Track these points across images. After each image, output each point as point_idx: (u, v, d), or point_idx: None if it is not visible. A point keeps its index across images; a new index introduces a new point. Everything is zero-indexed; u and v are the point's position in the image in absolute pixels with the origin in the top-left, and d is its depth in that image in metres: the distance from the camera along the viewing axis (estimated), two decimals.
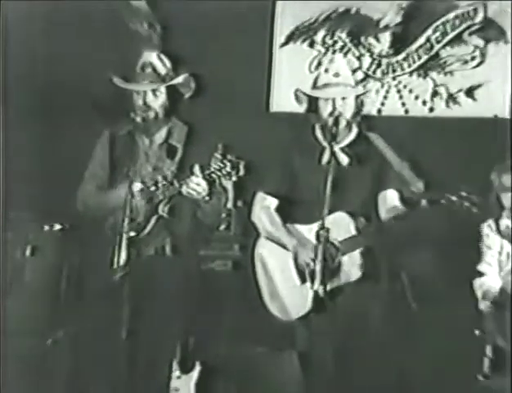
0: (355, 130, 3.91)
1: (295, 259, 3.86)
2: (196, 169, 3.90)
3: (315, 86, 3.92)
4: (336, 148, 3.90)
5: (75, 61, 4.20)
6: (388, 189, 3.85)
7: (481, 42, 4.20)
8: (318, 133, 3.97)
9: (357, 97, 3.88)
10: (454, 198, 3.72)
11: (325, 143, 3.92)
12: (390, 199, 3.85)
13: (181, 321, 3.95)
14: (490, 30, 4.19)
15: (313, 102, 3.94)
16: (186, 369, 3.98)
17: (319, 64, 4.17)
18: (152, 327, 3.85)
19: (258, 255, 3.95)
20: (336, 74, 3.90)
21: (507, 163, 3.96)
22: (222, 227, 4.10)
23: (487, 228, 3.99)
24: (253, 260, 3.98)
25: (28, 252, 4.01)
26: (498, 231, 3.98)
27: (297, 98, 3.99)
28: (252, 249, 4.03)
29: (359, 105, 3.90)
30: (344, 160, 3.92)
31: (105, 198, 3.93)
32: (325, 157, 3.93)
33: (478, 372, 3.85)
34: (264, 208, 3.98)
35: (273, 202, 3.97)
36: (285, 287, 3.85)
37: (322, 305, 3.79)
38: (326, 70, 3.95)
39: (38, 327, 3.99)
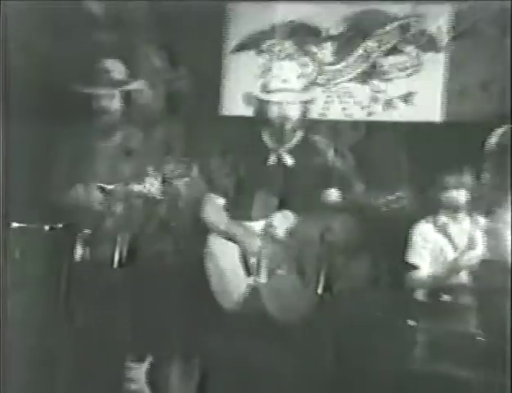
0: (300, 133, 4.13)
1: (242, 254, 4.08)
2: (151, 170, 4.16)
3: (265, 90, 4.15)
4: (282, 150, 4.14)
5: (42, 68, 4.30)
6: (331, 188, 4.06)
7: (416, 52, 4.31)
8: (265, 136, 4.17)
9: (303, 102, 4.11)
10: (391, 198, 3.99)
11: (271, 145, 4.14)
12: (332, 197, 4.05)
13: (134, 311, 4.09)
14: (424, 41, 4.30)
15: (262, 106, 4.15)
16: (139, 360, 4.12)
17: (266, 70, 4.31)
18: (108, 316, 4.08)
19: (208, 250, 4.17)
20: (284, 81, 4.13)
21: (451, 166, 4.14)
22: (175, 224, 4.23)
23: (426, 224, 4.20)
24: (205, 255, 4.20)
25: (17, 253, 4.13)
26: (435, 226, 4.19)
27: (247, 101, 4.20)
28: (202, 245, 4.20)
29: (304, 109, 4.13)
30: (289, 161, 4.16)
31: (66, 200, 4.15)
32: (272, 159, 4.16)
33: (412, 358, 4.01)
34: (214, 206, 4.19)
35: (222, 201, 4.18)
36: (232, 279, 4.07)
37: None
38: (275, 76, 4.18)
39: (31, 324, 4.09)
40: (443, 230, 4.17)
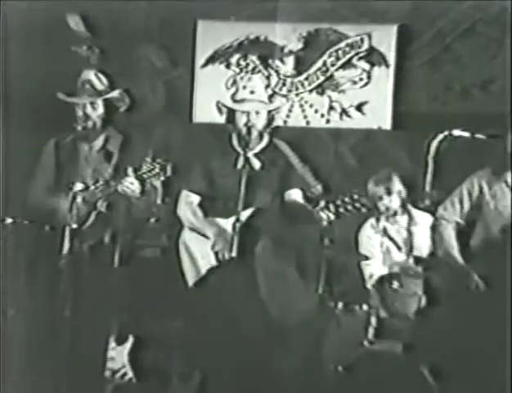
0: (266, 139, 4.50)
1: (213, 246, 4.44)
2: (130, 170, 4.51)
3: (234, 100, 4.50)
4: (250, 154, 4.50)
5: (25, 79, 4.51)
6: (293, 188, 4.45)
7: (367, 66, 4.52)
8: (234, 141, 4.54)
9: (269, 111, 4.47)
10: (347, 200, 4.36)
11: (239, 150, 4.52)
12: (294, 196, 4.45)
13: (118, 299, 4.46)
14: (374, 56, 4.51)
15: (231, 114, 4.51)
16: (120, 341, 4.46)
17: (234, 82, 4.55)
18: (92, 305, 4.42)
19: (182, 243, 4.52)
20: (252, 92, 4.49)
21: (380, 174, 4.46)
22: (153, 220, 4.55)
23: (371, 227, 4.48)
24: (178, 247, 4.54)
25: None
26: (378, 230, 4.47)
27: (219, 110, 4.53)
28: (177, 238, 4.54)
29: (270, 118, 4.49)
30: (256, 164, 4.52)
31: (51, 200, 4.49)
32: (240, 162, 4.52)
33: (363, 338, 4.38)
34: (188, 203, 4.55)
35: (196, 198, 4.54)
36: (205, 268, 4.44)
37: None
38: (244, 87, 4.52)
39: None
40: (385, 233, 4.47)
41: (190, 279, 4.46)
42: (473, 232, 4.41)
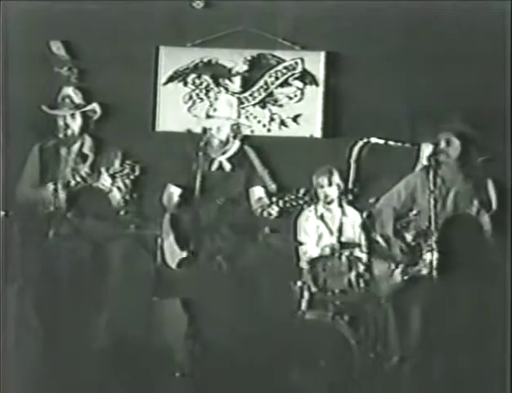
0: (235, 146, 5.00)
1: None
2: (103, 170, 5.07)
3: (206, 115, 5.00)
4: (222, 159, 5.03)
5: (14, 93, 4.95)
6: (256, 186, 5.05)
7: (301, 85, 4.88)
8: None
9: (232, 123, 4.98)
10: (292, 197, 4.99)
11: (213, 155, 5.03)
12: (257, 192, 5.05)
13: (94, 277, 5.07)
14: (306, 77, 4.91)
15: (205, 127, 5.00)
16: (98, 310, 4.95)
17: (190, 98, 4.97)
18: (72, 279, 5.03)
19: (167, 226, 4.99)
20: (215, 109, 5.01)
21: (323, 169, 4.99)
22: (122, 212, 5.00)
23: (309, 212, 5.00)
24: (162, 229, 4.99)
25: None
26: (316, 215, 5.00)
27: (196, 122, 5.01)
28: (147, 228, 5.00)
29: (235, 129, 5.02)
30: (227, 166, 5.10)
31: (36, 194, 5.03)
32: (215, 165, 5.07)
33: (297, 309, 4.87)
34: (170, 194, 4.98)
35: (178, 190, 4.99)
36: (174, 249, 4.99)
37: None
38: (211, 106, 5.02)
39: None
40: (321, 218, 5.00)
41: (167, 254, 4.98)
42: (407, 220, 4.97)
